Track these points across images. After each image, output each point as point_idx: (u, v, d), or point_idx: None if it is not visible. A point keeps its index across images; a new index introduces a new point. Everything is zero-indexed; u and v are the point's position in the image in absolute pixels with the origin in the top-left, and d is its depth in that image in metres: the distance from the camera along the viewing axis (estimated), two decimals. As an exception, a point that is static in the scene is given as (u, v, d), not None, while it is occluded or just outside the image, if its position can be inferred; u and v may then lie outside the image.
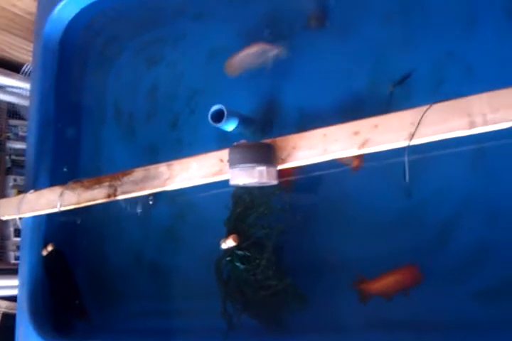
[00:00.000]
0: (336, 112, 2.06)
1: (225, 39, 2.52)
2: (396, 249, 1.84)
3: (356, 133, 1.66)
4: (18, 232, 2.64)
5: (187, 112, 2.50)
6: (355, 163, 1.92)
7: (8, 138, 3.61)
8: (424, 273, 1.77)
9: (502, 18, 1.83)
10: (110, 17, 2.99)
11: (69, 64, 2.98)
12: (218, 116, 2.11)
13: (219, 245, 1.92)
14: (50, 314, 2.44)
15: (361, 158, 1.89)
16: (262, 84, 2.32)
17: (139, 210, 2.48)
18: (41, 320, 2.41)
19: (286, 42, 2.28)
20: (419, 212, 1.82)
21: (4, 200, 2.67)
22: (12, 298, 3.18)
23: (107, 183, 2.17)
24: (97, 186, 2.19)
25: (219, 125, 2.10)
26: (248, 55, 2.30)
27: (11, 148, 3.65)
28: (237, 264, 1.88)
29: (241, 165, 1.70)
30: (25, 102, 3.46)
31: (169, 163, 2.02)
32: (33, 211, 2.36)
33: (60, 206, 2.23)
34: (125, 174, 2.14)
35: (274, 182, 1.74)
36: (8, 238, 3.46)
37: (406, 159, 1.59)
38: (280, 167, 1.76)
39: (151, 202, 2.44)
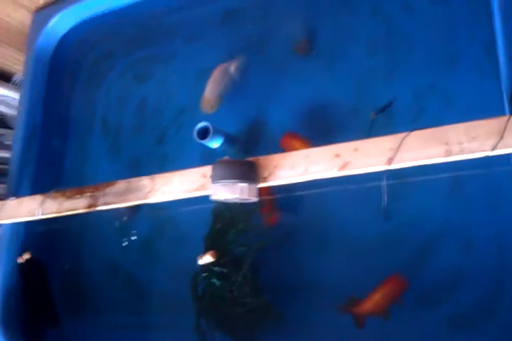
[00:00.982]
0: (319, 135, 2.08)
1: (214, 61, 2.54)
2: (372, 271, 1.84)
3: (337, 155, 1.68)
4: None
5: (173, 129, 2.50)
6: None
7: (-7, 146, 3.56)
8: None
9: (481, 53, 1.89)
10: (103, 33, 3.01)
11: (59, 76, 2.97)
12: (204, 133, 2.12)
13: (196, 260, 1.90)
14: (21, 322, 2.37)
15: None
16: (247, 106, 2.34)
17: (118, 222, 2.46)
18: (12, 329, 2.33)
19: (273, 66, 2.33)
20: (397, 235, 1.83)
21: (-16, 207, 2.62)
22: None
23: (88, 194, 2.15)
24: (79, 196, 2.17)
25: (204, 141, 2.10)
26: (214, 84, 2.33)
27: (-5, 156, 3.59)
28: (214, 280, 1.86)
29: (223, 181, 1.70)
30: (13, 112, 3.43)
31: (152, 176, 2.01)
32: (12, 218, 2.30)
33: (41, 214, 2.20)
34: (107, 185, 2.12)
35: (255, 199, 1.74)
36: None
37: (384, 183, 1.61)
38: (261, 185, 1.76)
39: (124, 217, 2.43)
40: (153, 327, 2.24)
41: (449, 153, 1.52)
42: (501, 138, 1.47)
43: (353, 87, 2.11)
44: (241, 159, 1.80)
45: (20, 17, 3.15)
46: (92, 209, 2.10)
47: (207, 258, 1.85)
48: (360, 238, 1.88)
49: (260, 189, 1.79)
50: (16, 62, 3.45)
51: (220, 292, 1.84)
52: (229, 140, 2.18)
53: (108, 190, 2.10)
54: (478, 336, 1.63)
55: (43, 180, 2.67)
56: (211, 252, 1.86)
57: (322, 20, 2.32)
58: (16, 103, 3.35)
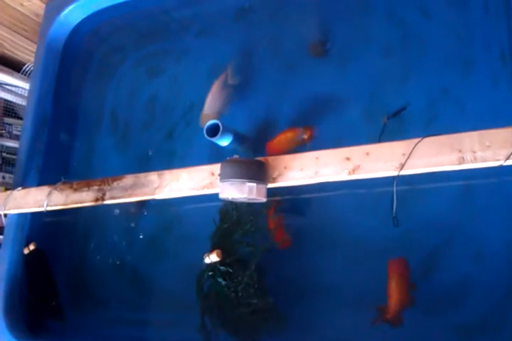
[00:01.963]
0: (329, 137, 2.07)
1: (227, 57, 2.52)
2: (379, 277, 1.81)
3: (348, 158, 1.66)
4: (1, 229, 2.57)
5: (183, 125, 2.48)
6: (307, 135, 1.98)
7: (1, 136, 3.55)
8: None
9: (497, 60, 1.87)
10: (116, 25, 2.98)
11: (70, 68, 2.95)
12: (213, 131, 2.10)
13: (202, 259, 1.88)
14: (24, 313, 2.36)
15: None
16: (258, 104, 2.32)
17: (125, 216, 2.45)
18: (15, 319, 2.33)
19: (285, 65, 2.31)
20: (405, 242, 1.80)
21: (-10, 196, 2.61)
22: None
23: (96, 187, 2.13)
24: (86, 189, 2.15)
25: (213, 139, 2.08)
26: (214, 100, 2.30)
27: (3, 146, 3.58)
28: (219, 280, 1.84)
29: (232, 180, 1.68)
30: (22, 101, 3.42)
31: (160, 172, 1.99)
32: (18, 208, 2.29)
33: (47, 206, 2.19)
34: (115, 179, 2.10)
35: (263, 199, 1.72)
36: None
37: (395, 189, 1.59)
38: (271, 185, 1.75)
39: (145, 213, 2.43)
40: (157, 324, 2.22)
41: (461, 161, 1.50)
42: (515, 147, 1.45)
43: (365, 89, 2.08)
44: (250, 158, 1.78)
45: (33, 7, 3.15)
46: (98, 203, 2.09)
47: (213, 257, 1.84)
48: (368, 243, 1.86)
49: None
50: (27, 53, 3.46)
51: (225, 291, 1.83)
52: (238, 138, 2.16)
53: (115, 184, 2.09)
54: (485, 346, 1.62)
55: (51, 172, 2.65)
56: (217, 251, 1.85)
57: (338, 21, 2.29)
58: (25, 93, 3.35)
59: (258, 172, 1.71)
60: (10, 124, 3.59)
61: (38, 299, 2.38)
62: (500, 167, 1.48)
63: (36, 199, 2.25)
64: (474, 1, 1.99)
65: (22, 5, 3.13)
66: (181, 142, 2.45)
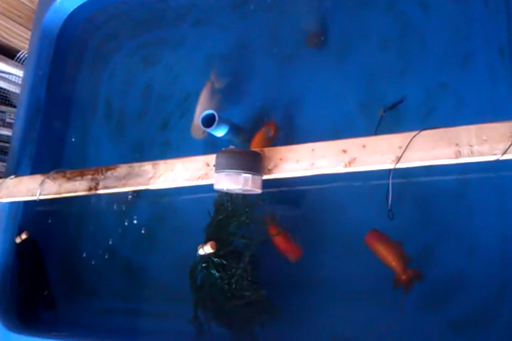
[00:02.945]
0: (326, 129, 2.05)
1: (223, 47, 2.50)
2: (372, 269, 1.82)
3: (344, 151, 1.64)
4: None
5: (178, 115, 2.46)
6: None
7: (-6, 123, 3.51)
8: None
9: (495, 55, 1.86)
10: (111, 14, 2.94)
11: (64, 55, 2.90)
12: (209, 121, 2.08)
13: (196, 250, 1.85)
14: (16, 303, 2.34)
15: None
16: (254, 95, 2.30)
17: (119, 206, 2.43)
18: (6, 309, 2.30)
19: (282, 56, 2.29)
20: (400, 235, 1.79)
21: (-18, 184, 2.58)
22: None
23: (89, 176, 2.11)
24: (79, 178, 2.13)
25: (209, 129, 2.06)
26: (204, 108, 2.25)
27: (-4, 134, 3.54)
28: (213, 271, 1.82)
29: (227, 171, 1.66)
30: (16, 89, 3.38)
31: (155, 162, 1.97)
32: (11, 197, 2.26)
33: (40, 194, 2.16)
34: (109, 169, 2.07)
35: (258, 190, 1.70)
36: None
37: (390, 182, 1.58)
38: (266, 177, 1.73)
39: (129, 197, 2.39)
40: (150, 315, 2.21)
41: (458, 155, 1.48)
42: (513, 142, 1.44)
43: (363, 82, 2.06)
44: (246, 149, 1.76)
45: (28, -7, 3.10)
46: (92, 193, 2.06)
47: (207, 249, 1.82)
48: (362, 235, 1.85)
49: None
50: (21, 40, 3.40)
51: (218, 283, 1.81)
52: (234, 129, 2.14)
53: (109, 173, 2.06)
54: (478, 340, 1.62)
55: (44, 160, 2.62)
56: (211, 243, 1.83)
57: (336, 13, 2.27)
58: (19, 81, 3.31)
59: (254, 164, 1.69)
60: (3, 112, 3.54)
61: (30, 289, 2.35)
62: (496, 161, 1.47)
63: (29, 188, 2.22)
64: (474, -5, 1.98)
65: (16, -9, 3.08)
66: (176, 132, 2.43)
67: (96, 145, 2.70)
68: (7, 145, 3.15)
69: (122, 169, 2.04)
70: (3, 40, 3.40)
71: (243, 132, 2.21)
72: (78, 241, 2.56)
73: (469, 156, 1.48)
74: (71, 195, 2.13)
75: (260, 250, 1.86)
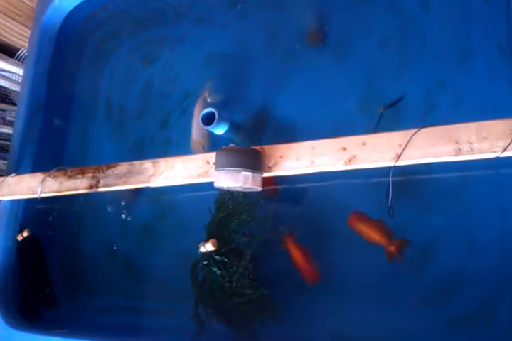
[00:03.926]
0: (325, 127, 2.05)
1: (223, 45, 2.50)
2: (372, 266, 1.82)
3: (344, 149, 1.64)
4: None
5: (178, 113, 2.45)
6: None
7: (-5, 122, 3.51)
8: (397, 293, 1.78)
9: (495, 53, 1.85)
10: (111, 11, 2.92)
11: (64, 53, 2.90)
12: (209, 119, 2.08)
13: (197, 248, 1.85)
14: (18, 300, 2.34)
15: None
16: (254, 93, 2.29)
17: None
18: (8, 306, 2.31)
19: (282, 53, 2.29)
20: (399, 232, 1.80)
21: (-17, 182, 2.58)
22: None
23: (90, 174, 2.11)
24: (80, 176, 2.13)
25: (209, 127, 2.06)
26: (199, 124, 2.25)
27: (-4, 132, 3.54)
28: (214, 269, 1.82)
29: (227, 169, 1.66)
30: (16, 87, 3.38)
31: (155, 160, 1.97)
32: (12, 195, 2.26)
33: (41, 192, 2.16)
34: (109, 167, 2.07)
35: (258, 188, 1.71)
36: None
37: (390, 179, 1.58)
38: (266, 175, 1.73)
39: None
40: (150, 312, 2.21)
41: (458, 152, 1.48)
42: (512, 139, 1.44)
43: (362, 80, 2.06)
44: (246, 147, 1.76)
45: (28, -9, 3.09)
46: (92, 191, 2.06)
47: (208, 247, 1.82)
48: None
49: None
50: (21, 38, 3.39)
51: (219, 281, 1.81)
52: (234, 127, 2.14)
53: (110, 171, 2.06)
54: (478, 337, 1.62)
55: (44, 158, 2.62)
56: (213, 240, 1.83)
57: (336, 10, 2.26)
58: (19, 79, 3.30)
59: (254, 161, 1.69)
60: (4, 110, 3.53)
61: (32, 286, 2.36)
62: (496, 158, 1.47)
63: (30, 186, 2.22)
64: (474, -9, 1.98)
65: (16, -11, 3.08)
66: (177, 130, 2.43)
67: (97, 143, 2.70)
68: (8, 143, 3.15)
69: (123, 167, 2.04)
70: (3, 38, 3.39)
71: (243, 130, 2.21)
72: (79, 239, 2.56)
73: (469, 154, 1.48)
74: (72, 192, 2.13)
75: (261, 248, 1.86)
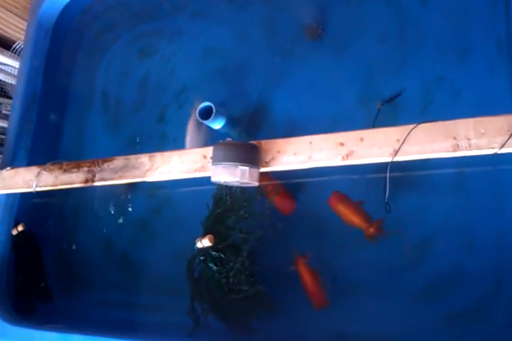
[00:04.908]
0: (323, 122, 2.04)
1: (220, 39, 2.48)
2: (369, 264, 1.82)
3: (342, 144, 1.64)
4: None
5: (175, 107, 2.44)
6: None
7: (-10, 115, 3.49)
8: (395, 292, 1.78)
9: (493, 49, 1.85)
10: (108, 4, 2.90)
11: (61, 46, 2.87)
12: (206, 114, 2.07)
13: (194, 243, 1.84)
14: (12, 295, 2.33)
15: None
16: (252, 88, 2.28)
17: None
18: (3, 301, 2.30)
19: (280, 48, 2.28)
20: (397, 229, 1.80)
21: (-22, 175, 2.56)
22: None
23: (86, 168, 2.10)
24: (76, 170, 2.12)
25: (206, 122, 2.06)
26: (193, 141, 2.24)
27: (-8, 125, 3.52)
28: (210, 265, 1.81)
29: (224, 163, 1.65)
30: (12, 80, 3.36)
31: (151, 154, 1.95)
32: (7, 188, 2.25)
33: (36, 186, 2.16)
34: (105, 161, 2.06)
35: (255, 183, 1.70)
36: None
37: (388, 175, 1.58)
38: (263, 169, 1.73)
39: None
40: (146, 307, 2.21)
41: (456, 148, 1.48)
42: (510, 136, 1.43)
43: (361, 75, 2.05)
44: (243, 142, 1.75)
45: (24, -17, 3.07)
46: (88, 185, 2.05)
47: (205, 242, 1.81)
48: (358, 229, 1.85)
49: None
50: (17, 30, 3.37)
51: (215, 277, 1.80)
52: (231, 122, 2.13)
53: (106, 165, 2.05)
54: (475, 334, 1.62)
55: (40, 152, 2.61)
56: (209, 236, 1.83)
57: (335, 5, 2.24)
58: (15, 72, 3.28)
59: (251, 156, 1.68)
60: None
61: (26, 281, 2.35)
62: (494, 155, 1.47)
63: (25, 180, 2.21)
64: (473, -12, 1.97)
65: (12, -19, 3.06)
66: (173, 124, 2.42)
67: (93, 136, 2.68)
68: (3, 136, 3.14)
69: (119, 161, 2.03)
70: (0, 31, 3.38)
71: (240, 125, 2.20)
72: (75, 233, 2.54)
73: (467, 150, 1.47)
74: (67, 186, 2.12)
75: (258, 245, 1.85)
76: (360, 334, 1.77)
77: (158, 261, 2.25)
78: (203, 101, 2.09)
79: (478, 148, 1.47)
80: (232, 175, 1.66)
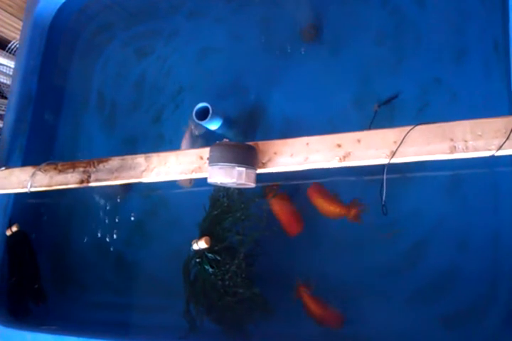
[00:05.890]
0: (320, 124, 2.04)
1: (217, 39, 2.47)
2: (364, 265, 1.82)
3: (339, 145, 1.63)
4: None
5: (171, 107, 2.43)
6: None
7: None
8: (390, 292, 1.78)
9: (490, 50, 1.85)
10: (104, 4, 2.89)
11: (56, 46, 2.86)
12: (203, 114, 2.06)
13: (190, 245, 1.83)
14: (6, 296, 2.31)
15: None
16: (249, 88, 2.28)
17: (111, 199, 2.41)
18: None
19: (277, 49, 2.28)
20: (392, 230, 1.81)
21: (-28, 175, 2.54)
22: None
23: (81, 168, 2.08)
24: (71, 170, 2.10)
25: (203, 122, 2.05)
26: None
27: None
28: (206, 267, 1.80)
29: (221, 164, 1.64)
30: (7, 80, 3.35)
31: (148, 154, 1.94)
32: (1, 189, 2.22)
33: (31, 187, 2.14)
34: (101, 161, 2.05)
35: (252, 184, 1.69)
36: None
37: (385, 177, 1.58)
38: (260, 170, 1.72)
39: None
40: (141, 309, 2.19)
41: (453, 150, 1.48)
42: (508, 138, 1.43)
43: (358, 76, 2.05)
44: (240, 143, 1.74)
45: (20, -18, 3.06)
46: (83, 185, 2.03)
47: (201, 244, 1.79)
48: (355, 231, 1.85)
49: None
50: (12, 30, 3.36)
51: (211, 279, 1.79)
52: (228, 123, 2.12)
53: (101, 166, 2.04)
54: (470, 335, 1.62)
55: (35, 152, 2.59)
56: (206, 238, 1.81)
57: (331, 6, 2.24)
58: (10, 71, 3.27)
59: (248, 157, 1.67)
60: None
61: (20, 282, 2.32)
62: (489, 157, 1.47)
63: (20, 180, 2.19)
64: (470, -11, 1.97)
65: (7, -20, 3.05)
66: (170, 125, 2.40)
67: (88, 137, 2.66)
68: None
69: (115, 162, 2.02)
70: (-5, 30, 3.37)
71: (237, 125, 2.19)
72: (69, 234, 2.52)
73: (464, 152, 1.47)
74: (62, 187, 2.10)
75: (254, 247, 1.85)
76: (355, 335, 1.77)
77: (154, 262, 2.23)
78: (200, 103, 2.08)
79: (476, 150, 1.46)
80: (228, 176, 1.65)
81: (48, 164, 2.16)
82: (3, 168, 2.29)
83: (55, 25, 2.84)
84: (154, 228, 2.30)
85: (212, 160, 1.66)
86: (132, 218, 2.36)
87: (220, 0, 2.55)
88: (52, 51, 2.83)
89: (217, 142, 1.68)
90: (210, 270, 1.81)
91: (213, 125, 2.07)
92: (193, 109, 2.07)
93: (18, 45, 2.97)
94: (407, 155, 1.54)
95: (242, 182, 1.66)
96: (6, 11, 3.28)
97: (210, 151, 1.68)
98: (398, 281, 1.77)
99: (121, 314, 2.22)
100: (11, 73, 3.20)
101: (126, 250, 2.35)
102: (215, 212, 1.87)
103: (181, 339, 1.81)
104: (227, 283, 1.79)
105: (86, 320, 2.28)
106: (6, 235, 2.35)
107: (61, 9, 2.82)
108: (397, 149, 1.54)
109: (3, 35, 3.41)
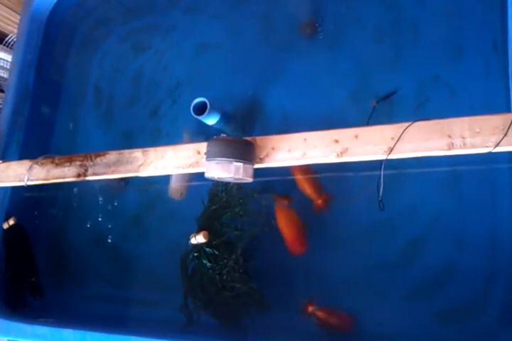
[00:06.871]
0: (318, 119, 2.03)
1: (215, 35, 2.45)
2: (361, 262, 1.81)
3: (336, 141, 1.62)
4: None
5: (169, 102, 2.40)
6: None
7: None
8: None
9: (489, 48, 1.84)
10: (102, -2, 2.88)
11: (54, 40, 2.83)
12: (200, 109, 2.05)
13: (187, 239, 1.82)
14: (3, 289, 2.28)
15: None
16: (246, 84, 2.26)
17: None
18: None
19: (275, 44, 2.26)
20: (389, 226, 1.79)
21: (-31, 168, 2.52)
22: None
23: (78, 162, 2.06)
24: (68, 164, 2.08)
25: (200, 117, 2.03)
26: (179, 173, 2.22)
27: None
28: (204, 261, 1.79)
29: (218, 159, 1.62)
30: (4, 74, 3.31)
31: (145, 149, 1.91)
32: (-2, 182, 2.23)
33: (27, 180, 2.12)
34: (98, 155, 2.02)
35: (250, 179, 1.67)
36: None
37: (382, 173, 1.57)
38: (257, 166, 1.71)
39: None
40: (139, 302, 2.17)
41: (451, 147, 1.47)
42: (505, 135, 1.43)
43: (356, 72, 2.03)
44: (238, 138, 1.73)
45: (17, -24, 3.02)
46: (80, 179, 2.01)
47: (200, 238, 1.78)
48: (352, 227, 1.84)
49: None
50: (10, 23, 3.32)
51: (209, 274, 1.78)
52: (226, 118, 2.10)
53: (98, 160, 2.02)
54: (466, 332, 1.62)
55: (32, 146, 2.56)
56: (204, 232, 1.80)
57: (330, 2, 2.22)
58: (7, 65, 3.24)
59: (245, 152, 1.66)
60: (-9, 97, 3.47)
61: (17, 275, 2.31)
62: (487, 154, 1.46)
63: (17, 173, 2.17)
64: (468, -13, 1.96)
65: (5, -27, 3.01)
66: (167, 120, 2.38)
67: (85, 131, 2.63)
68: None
69: (112, 156, 2.00)
70: (-8, 24, 3.33)
71: (234, 121, 2.18)
72: (66, 228, 2.50)
73: (462, 148, 1.46)
74: (59, 181, 2.07)
75: (253, 242, 1.84)
76: (351, 331, 1.77)
77: (152, 256, 2.21)
78: (198, 98, 2.06)
79: (473, 146, 1.45)
80: (226, 171, 1.63)
81: (44, 158, 2.14)
82: (0, 162, 2.26)
83: (53, 19, 2.81)
84: (152, 222, 2.28)
85: (210, 155, 1.64)
86: (130, 212, 2.34)
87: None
88: (49, 45, 2.80)
89: (215, 137, 1.66)
90: (208, 264, 1.80)
91: (211, 120, 2.05)
92: (190, 104, 2.04)
93: (15, 39, 2.95)
94: (405, 152, 1.52)
95: (240, 177, 1.64)
96: (4, 5, 3.24)
97: (208, 146, 1.66)
98: (395, 278, 1.77)
99: (118, 307, 2.20)
100: (8, 67, 3.17)
101: (123, 244, 2.33)
102: (214, 207, 1.86)
103: (180, 334, 1.81)
104: (224, 277, 1.78)
105: (83, 313, 2.26)
106: (2, 228, 2.33)
107: (58, 3, 2.78)
108: (394, 145, 1.53)
109: (0, 28, 3.37)
